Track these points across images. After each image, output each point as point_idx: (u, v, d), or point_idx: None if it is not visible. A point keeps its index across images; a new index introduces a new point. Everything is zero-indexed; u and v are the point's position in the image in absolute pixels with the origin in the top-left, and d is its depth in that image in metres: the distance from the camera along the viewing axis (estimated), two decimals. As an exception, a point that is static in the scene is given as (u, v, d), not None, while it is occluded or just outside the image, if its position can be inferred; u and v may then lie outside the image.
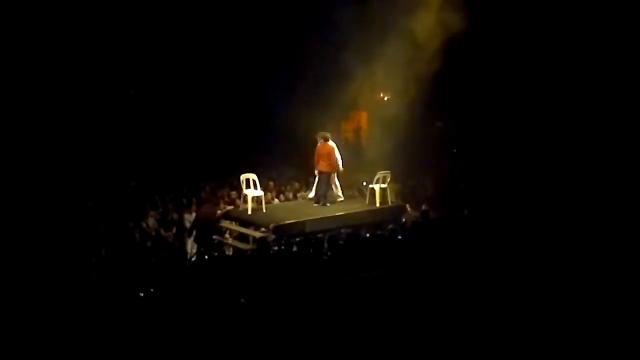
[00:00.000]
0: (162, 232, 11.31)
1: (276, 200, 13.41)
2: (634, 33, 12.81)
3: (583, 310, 5.95)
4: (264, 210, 11.65)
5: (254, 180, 11.70)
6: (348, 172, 13.70)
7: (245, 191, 11.72)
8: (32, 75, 13.65)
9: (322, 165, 11.92)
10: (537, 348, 5.70)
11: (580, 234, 8.03)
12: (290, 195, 13.73)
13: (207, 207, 11.46)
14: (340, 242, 8.99)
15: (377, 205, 11.98)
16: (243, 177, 11.80)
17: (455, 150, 16.67)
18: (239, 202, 12.35)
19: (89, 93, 14.79)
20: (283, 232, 10.63)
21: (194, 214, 11.85)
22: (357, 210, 11.85)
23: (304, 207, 12.10)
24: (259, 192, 11.73)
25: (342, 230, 10.97)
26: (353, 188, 13.93)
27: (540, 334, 5.78)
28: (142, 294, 6.52)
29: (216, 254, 10.01)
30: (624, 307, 6.03)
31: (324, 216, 11.39)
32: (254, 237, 10.66)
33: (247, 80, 16.28)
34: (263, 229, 10.93)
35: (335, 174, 12.17)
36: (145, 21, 14.61)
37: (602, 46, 13.22)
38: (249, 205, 11.51)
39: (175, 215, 11.97)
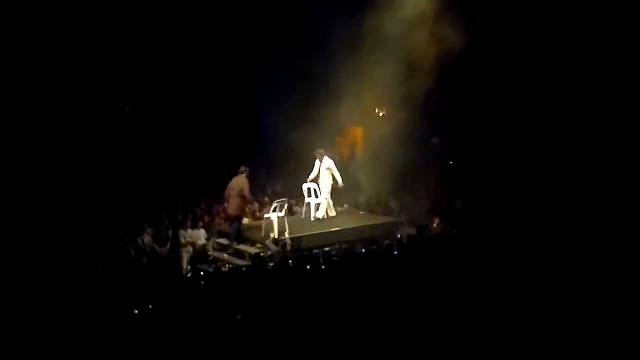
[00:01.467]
0: (157, 248, 11.28)
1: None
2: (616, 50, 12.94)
3: (580, 332, 5.90)
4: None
5: (314, 189, 12.12)
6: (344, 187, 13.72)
7: (307, 199, 12.18)
8: (29, 90, 13.68)
9: None
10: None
11: (579, 250, 7.98)
12: (287, 210, 13.70)
13: (239, 177, 11.39)
14: (335, 258, 8.96)
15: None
16: (304, 186, 12.19)
17: (451, 162, 16.68)
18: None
19: (84, 110, 14.81)
20: (279, 248, 10.63)
21: (189, 230, 11.84)
22: (353, 226, 11.84)
23: (299, 222, 12.09)
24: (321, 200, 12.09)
25: (338, 246, 10.99)
26: (350, 204, 13.94)
27: (536, 351, 5.75)
28: (136, 311, 6.49)
29: (211, 270, 10.00)
30: (621, 321, 6.00)
31: (320, 232, 11.40)
32: (249, 253, 10.65)
33: (242, 97, 16.31)
34: (259, 245, 10.95)
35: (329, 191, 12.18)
36: (139, 39, 14.68)
37: (596, 59, 13.32)
38: (312, 212, 12.04)
39: (170, 232, 11.95)
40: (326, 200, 12.12)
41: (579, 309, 6.29)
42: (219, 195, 14.47)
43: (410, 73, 13.64)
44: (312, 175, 12.10)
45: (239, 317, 6.30)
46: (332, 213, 12.30)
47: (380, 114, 16.90)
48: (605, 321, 6.02)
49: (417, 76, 13.62)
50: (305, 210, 12.27)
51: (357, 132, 17.38)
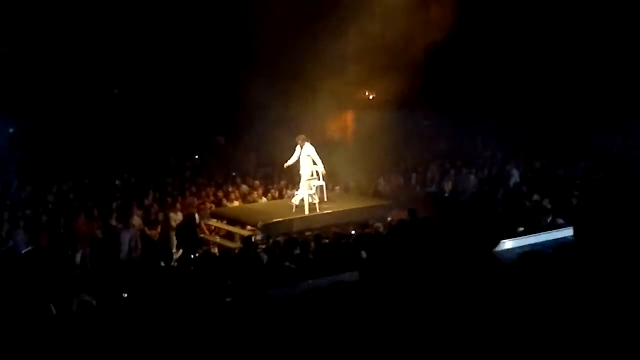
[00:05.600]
0: (147, 230, 11.23)
1: (263, 199, 13.38)
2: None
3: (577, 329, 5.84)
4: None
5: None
6: (335, 171, 13.72)
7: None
8: (15, 74, 13.54)
9: None
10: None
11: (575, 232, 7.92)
12: (277, 193, 13.69)
13: None
14: (326, 240, 8.94)
15: None
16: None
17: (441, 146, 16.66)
18: (225, 201, 12.38)
19: (74, 92, 14.70)
20: (271, 230, 10.62)
21: (179, 213, 11.77)
22: (344, 209, 11.82)
23: (289, 205, 12.05)
24: None
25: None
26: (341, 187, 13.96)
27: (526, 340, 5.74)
28: (125, 294, 6.46)
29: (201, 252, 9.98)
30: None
31: (311, 215, 11.37)
32: (240, 236, 10.65)
33: (232, 81, 16.15)
34: (250, 227, 10.92)
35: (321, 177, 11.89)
36: (130, 23, 14.53)
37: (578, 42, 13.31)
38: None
39: (160, 215, 11.89)
40: (306, 186, 11.71)
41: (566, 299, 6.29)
42: (209, 178, 14.50)
43: (402, 57, 13.57)
44: (290, 161, 11.79)
45: (228, 299, 6.29)
46: (314, 199, 11.80)
47: (371, 97, 16.86)
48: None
49: (407, 59, 13.55)
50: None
51: (348, 116, 17.33)
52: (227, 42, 15.68)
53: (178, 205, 12.10)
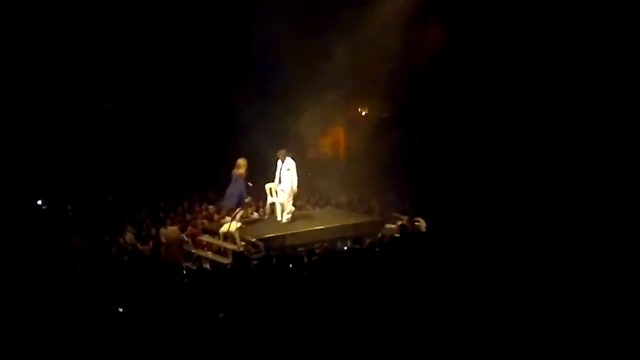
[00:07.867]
0: (139, 246, 11.22)
1: (255, 214, 13.41)
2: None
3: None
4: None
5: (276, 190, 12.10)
6: (327, 187, 13.76)
7: (270, 199, 12.33)
8: (11, 86, 13.54)
9: None
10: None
11: (565, 254, 7.99)
12: (269, 209, 13.71)
13: None
14: (314, 257, 8.95)
15: None
16: (267, 186, 12.22)
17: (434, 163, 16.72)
18: (217, 216, 12.41)
19: (66, 106, 14.69)
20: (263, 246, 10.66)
21: (169, 228, 11.75)
22: (337, 225, 11.88)
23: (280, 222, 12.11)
24: None
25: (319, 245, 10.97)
26: (331, 203, 14.01)
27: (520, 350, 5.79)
28: (121, 309, 6.46)
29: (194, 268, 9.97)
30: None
31: (305, 230, 11.42)
32: (232, 251, 10.66)
33: (222, 96, 16.18)
34: (242, 243, 10.94)
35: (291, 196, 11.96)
36: (123, 36, 14.58)
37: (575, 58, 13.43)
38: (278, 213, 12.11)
39: (152, 230, 11.89)
40: (289, 202, 11.93)
41: (563, 312, 6.34)
42: (201, 193, 14.50)
43: (395, 72, 13.69)
44: (277, 176, 11.96)
45: (220, 315, 6.30)
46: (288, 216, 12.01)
47: (363, 114, 16.97)
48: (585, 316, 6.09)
49: (400, 76, 13.67)
50: (269, 211, 12.47)
51: (339, 132, 17.44)
52: (220, 58, 15.76)
53: (169, 221, 12.12)
